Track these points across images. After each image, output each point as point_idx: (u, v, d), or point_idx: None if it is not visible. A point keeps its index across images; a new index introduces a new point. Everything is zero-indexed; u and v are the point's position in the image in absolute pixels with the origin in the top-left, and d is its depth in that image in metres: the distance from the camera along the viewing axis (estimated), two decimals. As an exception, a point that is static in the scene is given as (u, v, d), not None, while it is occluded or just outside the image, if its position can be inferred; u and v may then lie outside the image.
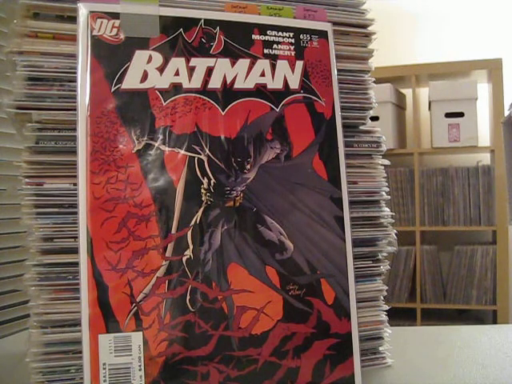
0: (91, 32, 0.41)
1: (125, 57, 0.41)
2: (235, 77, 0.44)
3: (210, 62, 0.43)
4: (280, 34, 0.46)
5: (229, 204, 0.42)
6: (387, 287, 0.51)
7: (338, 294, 0.44)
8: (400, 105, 2.09)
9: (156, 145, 0.41)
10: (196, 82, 0.43)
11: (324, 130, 0.45)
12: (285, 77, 0.45)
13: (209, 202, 0.42)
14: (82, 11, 0.41)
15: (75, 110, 0.40)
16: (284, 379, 0.41)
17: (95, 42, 0.41)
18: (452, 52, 2.03)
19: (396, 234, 0.52)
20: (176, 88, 0.42)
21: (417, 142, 2.00)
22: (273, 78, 0.45)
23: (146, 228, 0.40)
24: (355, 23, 0.51)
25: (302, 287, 0.43)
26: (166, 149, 0.41)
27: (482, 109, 1.97)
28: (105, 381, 0.38)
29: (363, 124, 0.52)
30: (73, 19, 0.42)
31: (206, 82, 0.43)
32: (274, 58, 0.45)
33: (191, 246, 0.41)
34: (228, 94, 0.43)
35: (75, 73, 0.40)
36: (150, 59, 0.42)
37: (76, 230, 0.40)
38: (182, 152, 0.42)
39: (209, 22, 0.44)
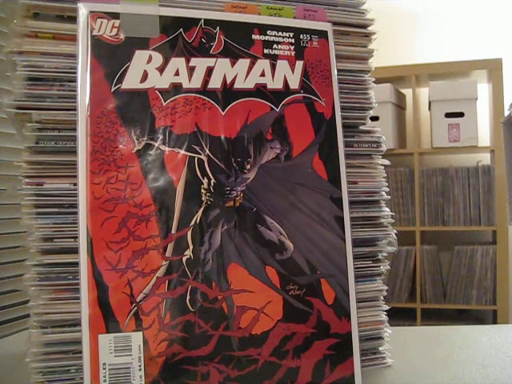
0: (91, 32, 0.41)
1: (125, 57, 0.41)
2: (235, 77, 0.44)
3: (209, 61, 0.43)
4: (280, 34, 0.46)
5: (229, 204, 0.42)
6: (387, 287, 0.51)
7: (338, 294, 0.44)
8: (400, 105, 2.08)
9: (156, 145, 0.41)
10: (196, 82, 0.43)
11: (324, 129, 0.45)
12: (285, 77, 0.45)
13: (209, 202, 0.42)
14: (82, 11, 0.41)
15: (75, 110, 0.40)
16: (284, 379, 0.41)
17: (95, 42, 0.41)
18: (452, 52, 2.03)
19: (396, 234, 0.52)
20: (176, 88, 0.42)
21: (417, 142, 2.00)
22: (273, 78, 0.45)
23: (145, 228, 0.40)
24: (355, 23, 0.51)
25: (302, 287, 0.43)
26: (166, 149, 0.41)
27: (482, 109, 1.97)
28: (105, 381, 0.38)
29: (363, 124, 0.52)
30: (73, 19, 0.42)
31: (206, 82, 0.43)
32: (274, 58, 0.45)
33: (191, 246, 0.41)
34: (228, 93, 0.43)
35: (75, 73, 0.40)
36: (150, 59, 0.42)
37: (76, 230, 0.40)
38: (182, 152, 0.42)
39: (209, 22, 0.44)
